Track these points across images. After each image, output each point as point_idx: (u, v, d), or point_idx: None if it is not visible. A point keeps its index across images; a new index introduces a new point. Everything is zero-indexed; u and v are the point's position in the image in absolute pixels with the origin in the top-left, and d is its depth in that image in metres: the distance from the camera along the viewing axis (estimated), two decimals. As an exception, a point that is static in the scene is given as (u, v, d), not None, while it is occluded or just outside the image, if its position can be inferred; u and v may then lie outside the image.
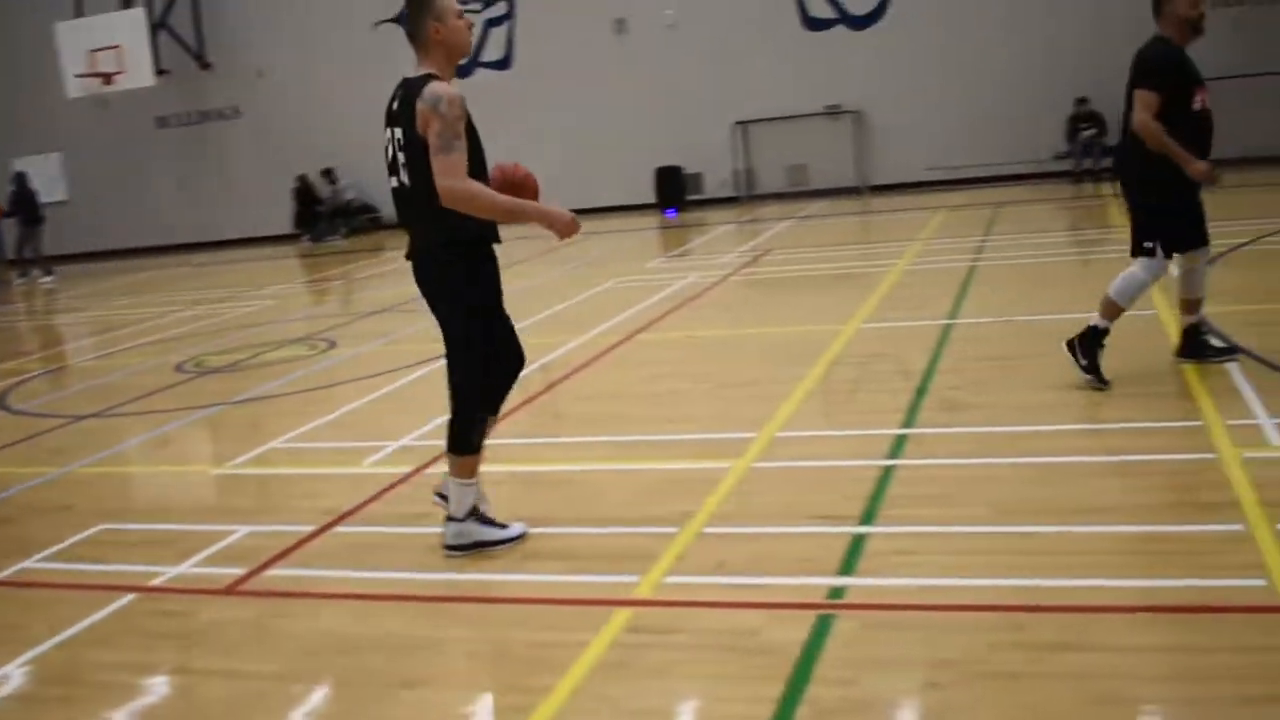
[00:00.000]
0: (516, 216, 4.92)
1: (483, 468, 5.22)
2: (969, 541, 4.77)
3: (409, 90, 4.87)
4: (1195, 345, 6.99)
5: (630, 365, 8.82)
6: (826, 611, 4.24)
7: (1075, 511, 4.92)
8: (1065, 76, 19.54)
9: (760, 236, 16.77)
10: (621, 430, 6.93)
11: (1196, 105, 6.54)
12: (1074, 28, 19.50)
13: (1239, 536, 4.49)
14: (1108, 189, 18.01)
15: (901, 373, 7.70)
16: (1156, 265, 6.68)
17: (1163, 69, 6.50)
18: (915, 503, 5.25)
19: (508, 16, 23.11)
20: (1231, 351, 7.00)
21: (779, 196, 21.86)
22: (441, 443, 6.84)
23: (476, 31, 23.15)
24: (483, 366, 5.07)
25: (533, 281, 13.42)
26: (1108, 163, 19.22)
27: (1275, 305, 7.94)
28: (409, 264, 5.08)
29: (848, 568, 4.60)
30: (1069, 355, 6.80)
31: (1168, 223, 6.67)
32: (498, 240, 5.07)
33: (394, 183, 4.99)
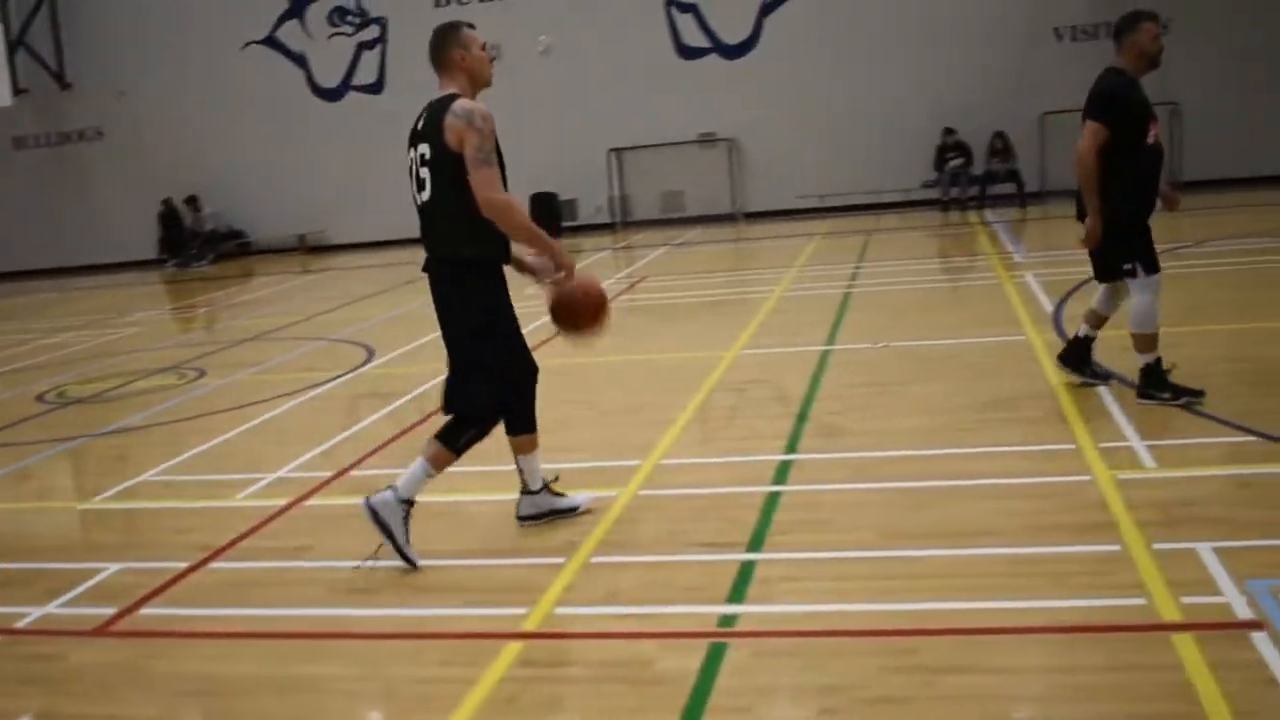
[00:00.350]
0: (535, 241, 5.13)
1: (360, 500, 5.17)
2: (856, 566, 4.80)
3: (436, 108, 5.05)
4: (1079, 358, 7.18)
5: (511, 393, 8.72)
6: (718, 639, 4.23)
7: (958, 534, 5.00)
8: (933, 107, 20.05)
9: (637, 263, 16.83)
10: (503, 460, 6.81)
11: (1150, 139, 6.62)
12: (941, 60, 20.04)
13: (1117, 557, 4.61)
14: (974, 217, 18.47)
15: (782, 399, 7.76)
16: (1145, 283, 6.67)
17: (1118, 103, 6.57)
18: (801, 528, 5.29)
19: (380, 40, 22.91)
20: (1105, 379, 7.20)
21: (654, 223, 21.98)
22: (319, 474, 6.75)
23: (348, 54, 22.95)
24: (495, 383, 5.33)
25: (404, 309, 13.22)
26: (974, 191, 19.75)
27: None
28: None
29: (737, 595, 4.60)
30: (1151, 403, 6.68)
31: (1140, 240, 6.68)
32: (507, 260, 5.27)
33: (417, 199, 5.17)
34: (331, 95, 23.34)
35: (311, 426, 8.13)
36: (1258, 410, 6.45)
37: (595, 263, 17.57)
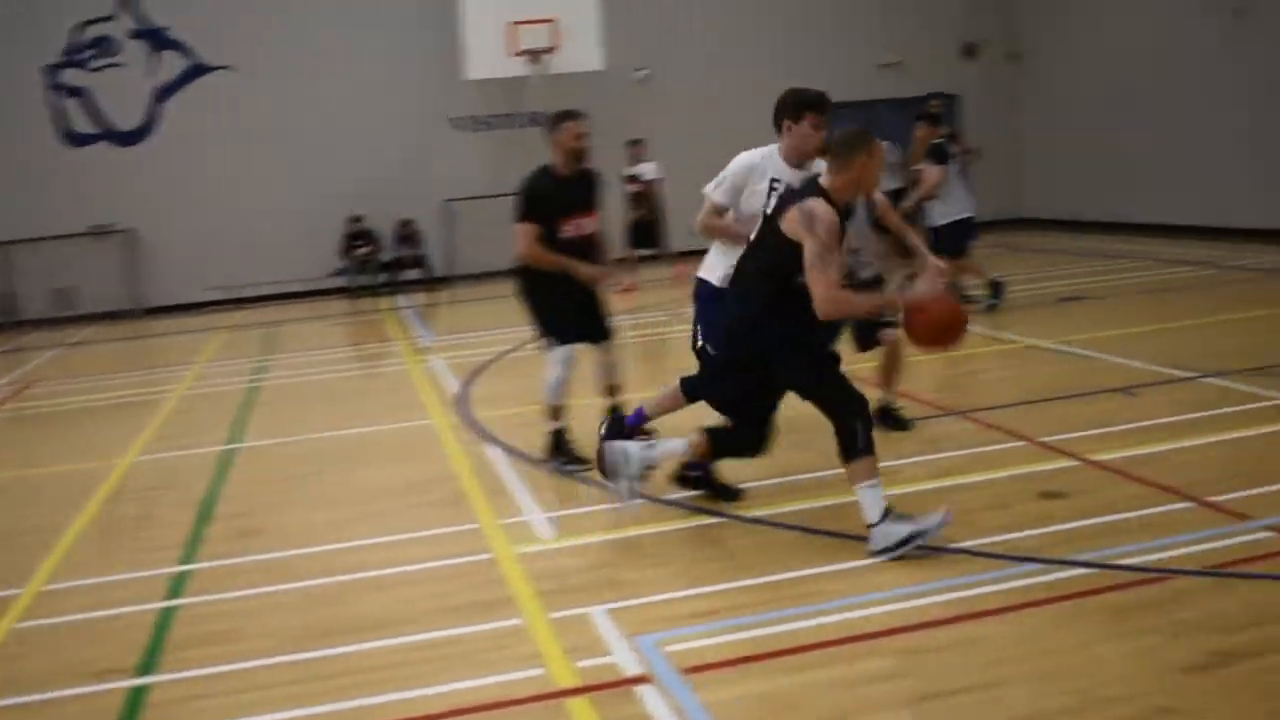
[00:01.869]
0: (873, 308, 6.14)
1: None
2: (268, 674, 4.58)
3: (804, 190, 5.52)
4: (614, 427, 7.25)
5: None
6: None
7: (372, 627, 4.94)
8: (339, 195, 20.06)
9: (23, 367, 15.41)
10: None
11: (567, 233, 7.04)
12: (346, 148, 20.13)
13: (518, 630, 4.74)
14: (385, 303, 18.68)
15: (184, 504, 7.32)
16: (557, 356, 7.11)
17: (532, 204, 6.99)
18: (200, 642, 4.98)
19: None
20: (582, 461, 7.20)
21: (44, 323, 20.28)
22: None
23: None
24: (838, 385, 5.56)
25: None
26: (383, 278, 20.00)
27: (535, 407, 8.54)
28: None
29: (128, 725, 4.24)
30: (558, 470, 7.05)
31: (551, 321, 7.15)
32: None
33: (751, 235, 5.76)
34: None
35: None
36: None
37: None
